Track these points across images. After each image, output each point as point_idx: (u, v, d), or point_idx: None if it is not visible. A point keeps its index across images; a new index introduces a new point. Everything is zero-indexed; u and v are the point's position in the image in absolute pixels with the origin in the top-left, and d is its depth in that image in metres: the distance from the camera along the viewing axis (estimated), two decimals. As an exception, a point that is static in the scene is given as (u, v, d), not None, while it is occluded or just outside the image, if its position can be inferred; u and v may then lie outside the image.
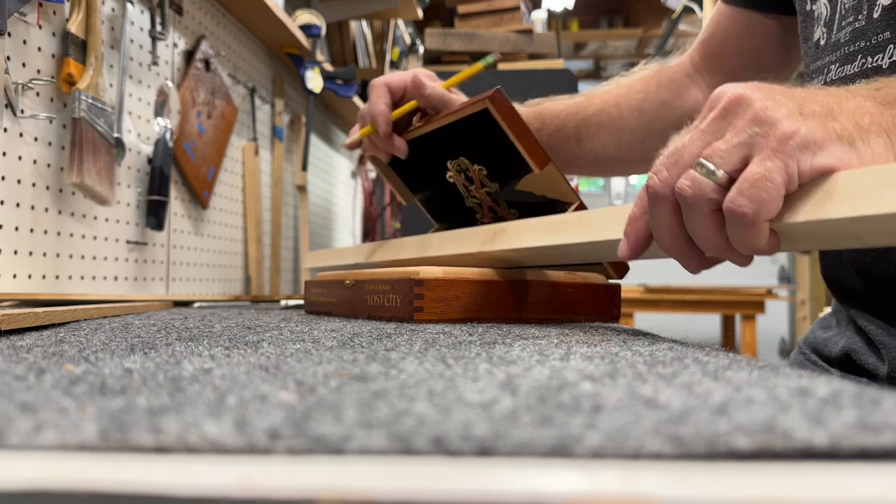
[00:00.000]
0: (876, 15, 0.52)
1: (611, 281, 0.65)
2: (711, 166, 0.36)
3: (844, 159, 0.35)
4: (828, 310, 0.70)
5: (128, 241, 1.06)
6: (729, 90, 0.38)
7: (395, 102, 0.70)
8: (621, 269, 0.64)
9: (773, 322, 4.47)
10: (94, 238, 0.97)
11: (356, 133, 0.73)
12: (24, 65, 0.82)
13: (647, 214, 0.42)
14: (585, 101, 0.80)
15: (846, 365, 0.60)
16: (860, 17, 0.54)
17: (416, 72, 0.69)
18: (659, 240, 0.42)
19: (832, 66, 0.57)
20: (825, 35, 0.59)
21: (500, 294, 0.58)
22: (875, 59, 0.52)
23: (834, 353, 0.61)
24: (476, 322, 0.56)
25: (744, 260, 0.40)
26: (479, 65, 0.65)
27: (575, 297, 0.63)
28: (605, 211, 0.49)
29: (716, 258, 0.41)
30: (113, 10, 1.00)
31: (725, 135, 0.37)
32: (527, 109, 0.80)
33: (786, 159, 0.35)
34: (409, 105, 0.69)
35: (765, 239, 0.37)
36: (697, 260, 0.41)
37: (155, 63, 1.11)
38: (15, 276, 0.82)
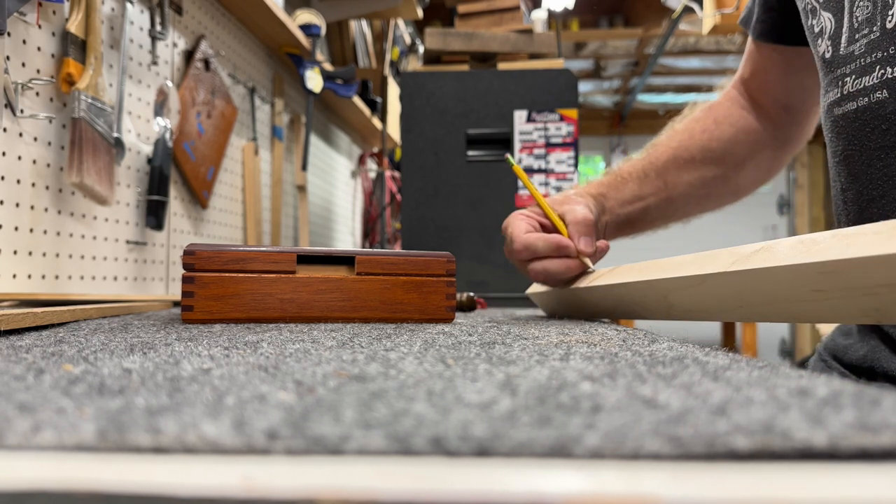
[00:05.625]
0: (889, 26, 0.53)
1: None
2: None
3: None
4: None
5: (127, 241, 1.06)
6: None
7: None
8: None
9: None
10: (94, 238, 0.97)
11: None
12: (23, 64, 0.82)
13: None
14: (652, 153, 0.80)
15: (868, 371, 0.60)
16: (874, 28, 0.54)
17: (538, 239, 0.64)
18: None
19: (847, 79, 0.57)
20: (830, 48, 0.59)
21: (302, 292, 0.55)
22: (895, 69, 0.52)
23: (855, 359, 0.61)
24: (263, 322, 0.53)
25: None
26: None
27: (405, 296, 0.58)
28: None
29: None
30: (112, 9, 1.00)
31: None
32: (601, 178, 0.78)
33: None
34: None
35: None
36: None
37: (154, 63, 1.11)
38: (15, 276, 0.81)
